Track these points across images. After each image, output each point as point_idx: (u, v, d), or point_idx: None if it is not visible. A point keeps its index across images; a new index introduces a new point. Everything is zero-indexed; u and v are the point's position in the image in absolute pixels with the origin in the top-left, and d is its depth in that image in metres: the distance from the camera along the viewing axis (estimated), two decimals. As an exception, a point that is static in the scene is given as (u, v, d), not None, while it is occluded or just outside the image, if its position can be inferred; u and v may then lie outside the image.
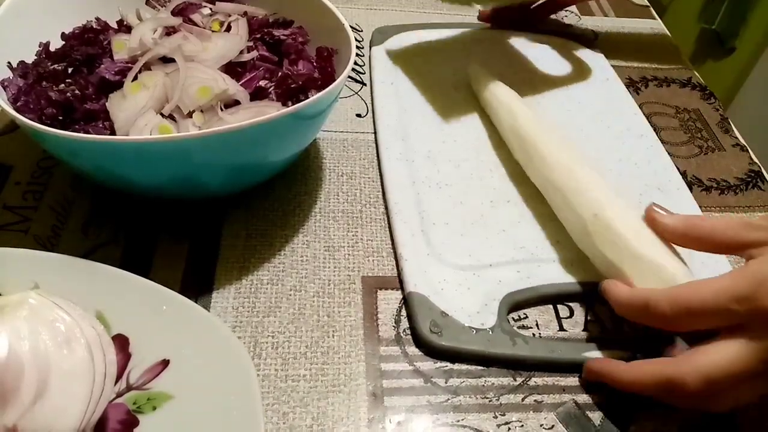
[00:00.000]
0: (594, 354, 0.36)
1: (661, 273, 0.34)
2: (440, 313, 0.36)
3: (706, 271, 0.35)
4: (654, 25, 0.66)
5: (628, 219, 0.37)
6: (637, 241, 0.36)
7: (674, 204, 0.43)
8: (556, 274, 0.39)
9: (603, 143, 0.49)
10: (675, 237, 0.36)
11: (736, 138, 0.53)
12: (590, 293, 0.38)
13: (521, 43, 0.59)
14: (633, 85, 0.56)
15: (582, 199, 0.39)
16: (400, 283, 0.38)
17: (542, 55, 0.58)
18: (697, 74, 0.60)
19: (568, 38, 0.61)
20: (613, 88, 0.55)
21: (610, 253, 0.36)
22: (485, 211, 0.43)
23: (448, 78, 0.54)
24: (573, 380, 0.35)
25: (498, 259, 0.40)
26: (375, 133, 0.48)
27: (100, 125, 0.36)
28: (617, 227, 0.36)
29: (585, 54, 0.59)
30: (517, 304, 0.38)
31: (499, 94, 0.48)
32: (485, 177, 0.46)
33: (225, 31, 0.42)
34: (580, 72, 0.57)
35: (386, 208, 0.43)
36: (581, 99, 0.54)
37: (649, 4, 0.70)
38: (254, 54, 0.41)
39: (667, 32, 0.66)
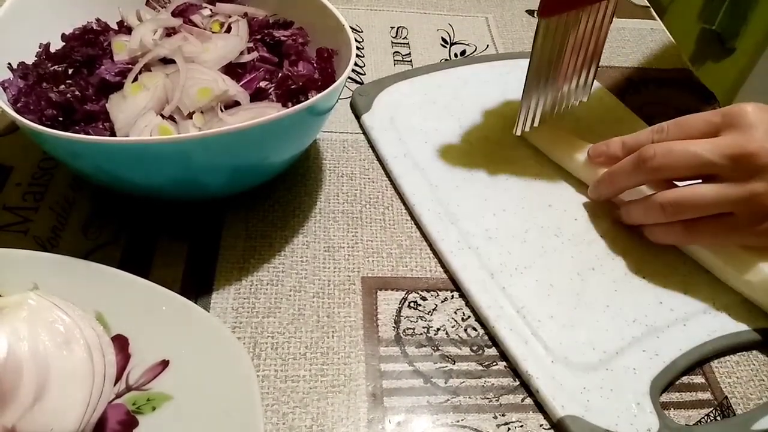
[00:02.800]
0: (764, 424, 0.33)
1: None
2: None
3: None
4: (654, 25, 0.66)
5: None
6: None
7: None
8: (680, 341, 0.37)
9: None
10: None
11: (736, 139, 0.53)
12: (722, 350, 0.37)
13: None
14: (633, 86, 0.56)
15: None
16: (536, 404, 0.34)
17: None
18: (696, 75, 0.60)
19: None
20: None
21: None
22: (578, 287, 0.39)
23: (457, 132, 0.48)
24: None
25: (619, 343, 0.36)
26: (416, 219, 0.43)
27: (100, 126, 0.36)
28: None
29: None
30: (663, 388, 0.35)
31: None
32: (557, 247, 0.41)
33: (225, 32, 0.43)
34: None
35: (478, 316, 0.38)
36: None
37: (648, 4, 0.70)
38: (254, 55, 0.41)
39: (667, 33, 0.66)
